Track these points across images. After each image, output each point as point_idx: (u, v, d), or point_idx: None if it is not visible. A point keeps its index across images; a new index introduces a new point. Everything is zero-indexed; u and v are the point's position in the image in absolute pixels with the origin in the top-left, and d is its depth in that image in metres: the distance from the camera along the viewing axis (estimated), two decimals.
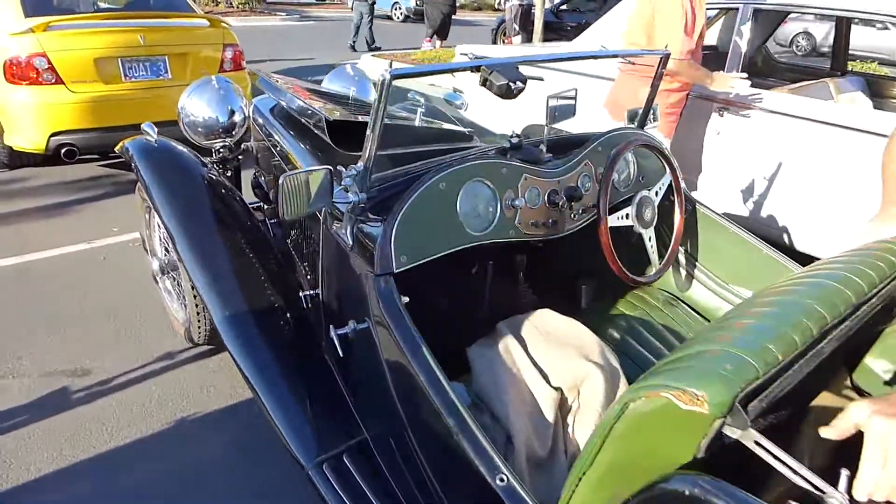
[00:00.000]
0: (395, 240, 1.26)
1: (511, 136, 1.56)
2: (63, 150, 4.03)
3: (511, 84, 1.32)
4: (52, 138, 4.01)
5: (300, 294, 1.96)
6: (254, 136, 2.65)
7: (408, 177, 1.43)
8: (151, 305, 2.82)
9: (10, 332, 2.64)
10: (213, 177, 2.34)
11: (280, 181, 1.19)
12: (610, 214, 1.59)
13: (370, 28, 11.76)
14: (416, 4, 19.45)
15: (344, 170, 1.32)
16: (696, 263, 1.96)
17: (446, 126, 2.15)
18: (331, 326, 1.39)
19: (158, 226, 2.51)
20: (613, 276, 2.10)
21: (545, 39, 9.72)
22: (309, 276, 1.97)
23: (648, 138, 1.76)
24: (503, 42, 12.32)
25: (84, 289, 3.01)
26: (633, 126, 1.90)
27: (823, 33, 12.44)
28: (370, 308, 1.30)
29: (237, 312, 1.89)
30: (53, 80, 3.93)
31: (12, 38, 3.92)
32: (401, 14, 19.85)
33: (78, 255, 3.38)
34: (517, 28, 10.89)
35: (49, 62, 3.88)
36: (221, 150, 2.61)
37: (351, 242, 1.37)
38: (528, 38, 10.49)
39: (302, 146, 2.11)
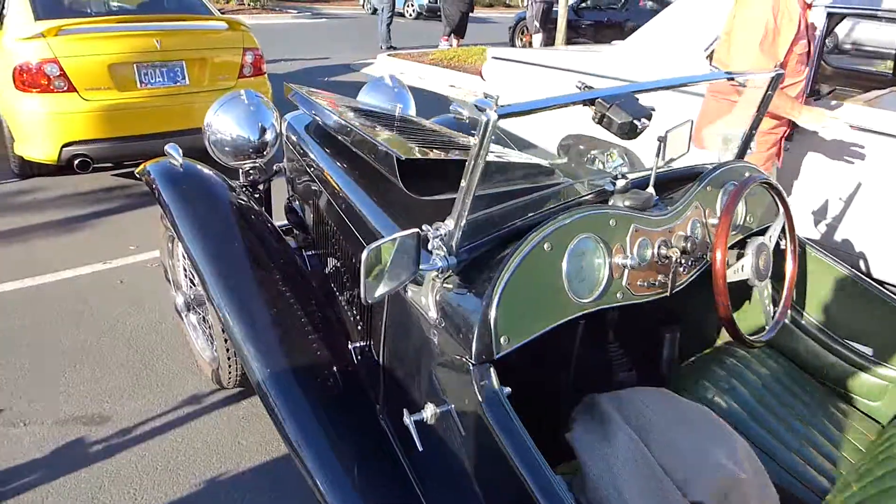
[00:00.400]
0: (496, 319, 1.01)
1: (615, 176, 1.30)
2: (76, 162, 3.81)
3: (636, 121, 1.08)
4: (64, 149, 3.79)
5: (349, 346, 1.72)
6: (287, 156, 2.41)
7: (500, 232, 1.18)
8: (173, 338, 2.59)
9: (20, 369, 2.42)
10: (244, 203, 2.11)
11: (364, 255, 0.95)
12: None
13: (388, 26, 11.49)
14: (430, 2, 19.18)
15: (428, 228, 1.08)
16: (804, 313, 1.70)
17: (524, 158, 1.87)
18: (405, 411, 1.14)
19: (183, 256, 2.28)
20: (701, 323, 1.83)
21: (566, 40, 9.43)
22: (360, 327, 1.73)
23: (766, 175, 1.50)
24: (521, 40, 12.05)
25: (100, 318, 2.79)
26: (738, 159, 1.64)
27: (846, 31, 12.07)
28: (461, 396, 1.06)
29: (274, 359, 1.65)
30: (65, 88, 3.70)
31: (22, 42, 3.69)
32: (413, 11, 19.57)
33: (93, 277, 3.15)
34: (538, 26, 10.58)
35: (61, 69, 3.66)
36: (251, 171, 2.37)
37: (436, 315, 1.12)
38: (548, 37, 10.20)
39: (347, 174, 1.86)
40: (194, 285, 2.24)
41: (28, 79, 3.66)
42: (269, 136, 2.31)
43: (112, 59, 3.76)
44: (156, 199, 2.08)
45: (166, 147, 2.10)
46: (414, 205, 1.42)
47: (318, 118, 2.13)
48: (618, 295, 1.24)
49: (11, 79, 3.72)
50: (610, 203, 1.29)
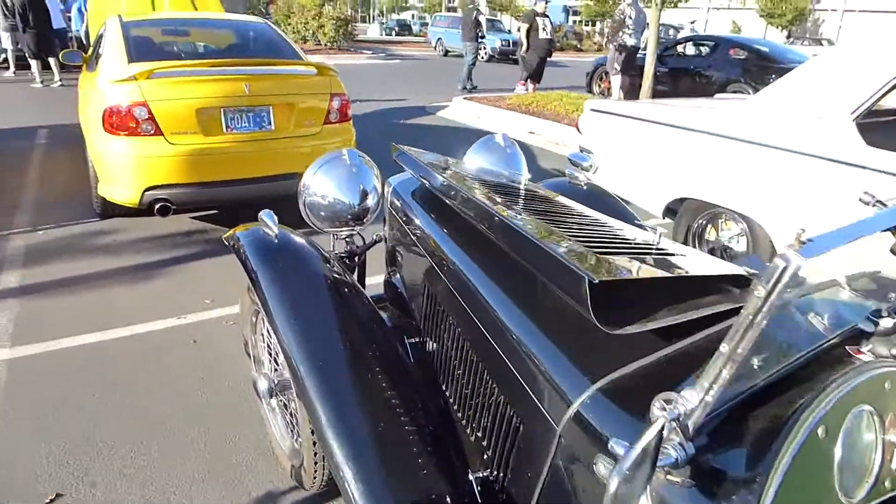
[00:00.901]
0: None
1: (874, 311, 0.93)
2: (157, 206, 3.70)
3: None
4: (146, 192, 3.68)
5: (468, 475, 1.39)
6: (389, 225, 2.14)
7: (742, 395, 0.83)
8: (250, 418, 2.32)
9: (80, 437, 2.20)
10: (342, 279, 1.83)
11: (614, 482, 0.62)
12: None
13: (470, 68, 11.46)
14: (503, 45, 19.25)
15: (661, 408, 0.73)
16: None
17: (713, 267, 1.46)
18: None
19: (268, 332, 2.02)
20: None
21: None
22: (487, 455, 1.40)
23: None
24: (599, 86, 11.76)
25: (171, 384, 2.56)
26: None
27: None
28: None
29: (371, 476, 1.33)
30: (152, 131, 3.61)
31: (114, 85, 3.64)
32: (485, 54, 19.66)
33: (166, 333, 2.96)
34: (617, 68, 10.23)
35: (149, 112, 3.57)
36: (348, 239, 2.11)
37: None
38: (629, 84, 9.87)
39: (471, 257, 1.56)
40: (279, 367, 1.97)
41: (117, 121, 3.59)
42: (370, 202, 2.05)
43: (200, 104, 3.66)
44: (244, 268, 1.83)
45: (261, 214, 1.86)
46: (588, 328, 1.09)
47: (432, 187, 1.84)
48: (886, 484, 0.87)
49: (101, 121, 3.66)
50: (875, 353, 0.92)
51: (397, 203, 2.02)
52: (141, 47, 4.23)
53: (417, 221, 1.88)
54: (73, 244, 3.91)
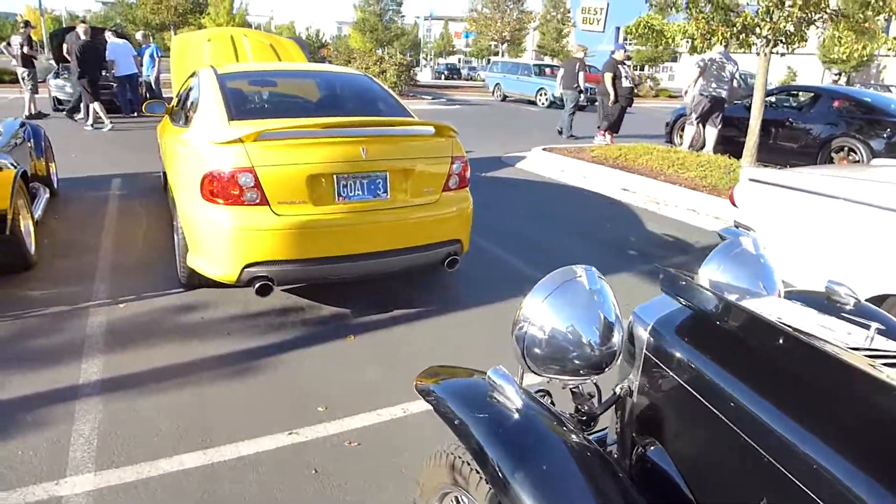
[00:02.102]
0: None
1: None
2: (257, 285, 3.20)
3: None
4: (246, 269, 3.19)
5: None
6: (643, 373, 1.54)
7: None
8: None
9: None
10: (601, 460, 1.25)
11: None
12: None
13: (571, 116, 11.51)
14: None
15: None
16: None
17: None
18: None
19: None
20: None
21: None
22: None
23: None
24: (679, 137, 11.12)
25: None
26: None
27: None
28: None
29: None
30: (257, 201, 3.14)
31: (217, 147, 3.20)
32: (546, 100, 19.29)
33: (277, 456, 2.40)
34: (694, 119, 9.55)
35: (256, 179, 3.11)
36: (576, 391, 1.52)
37: None
38: (719, 137, 9.22)
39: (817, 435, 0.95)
40: None
41: (218, 188, 3.14)
42: (614, 341, 1.46)
43: (312, 170, 3.19)
44: (458, 436, 1.28)
45: (491, 373, 1.31)
46: None
47: (730, 325, 1.25)
48: None
49: (199, 186, 3.22)
50: None
51: (660, 344, 1.42)
52: (240, 103, 3.83)
53: (707, 374, 1.28)
54: (158, 323, 3.44)
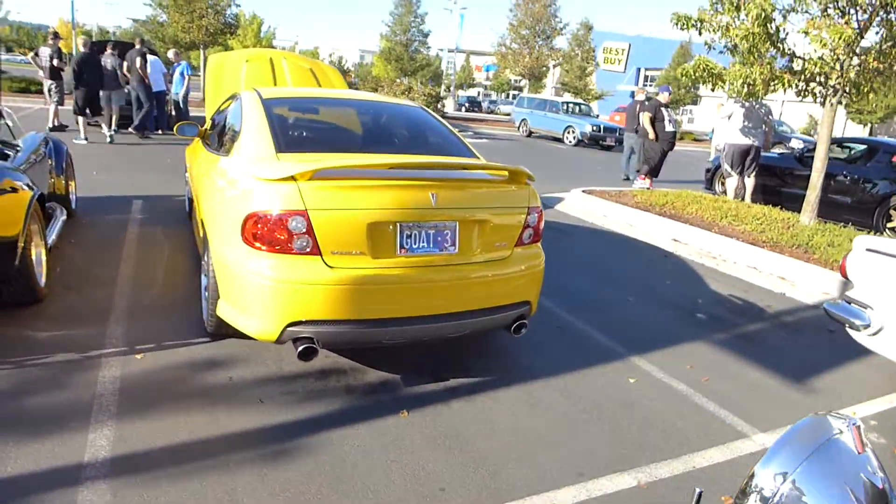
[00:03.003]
0: None
1: None
2: (300, 348, 2.72)
3: None
4: (288, 329, 2.72)
5: None
6: None
7: None
8: None
9: None
10: None
11: None
12: None
13: (629, 158, 11.35)
14: (593, 130, 18.51)
15: None
16: None
17: None
18: None
19: None
20: None
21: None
22: None
23: None
24: (721, 185, 10.65)
25: None
26: None
27: None
28: None
29: None
30: (308, 250, 2.68)
31: (266, 185, 2.75)
32: (574, 138, 18.96)
33: None
34: (729, 170, 9.09)
35: (309, 224, 2.66)
36: None
37: None
38: (756, 186, 8.79)
39: None
40: None
41: (263, 232, 2.68)
42: None
43: (374, 216, 2.73)
44: None
45: None
46: None
47: None
48: None
49: (239, 227, 2.77)
50: None
51: None
52: (289, 133, 3.41)
53: None
54: (180, 382, 2.95)
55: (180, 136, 4.85)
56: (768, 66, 6.66)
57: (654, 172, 9.98)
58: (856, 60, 6.53)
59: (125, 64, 10.91)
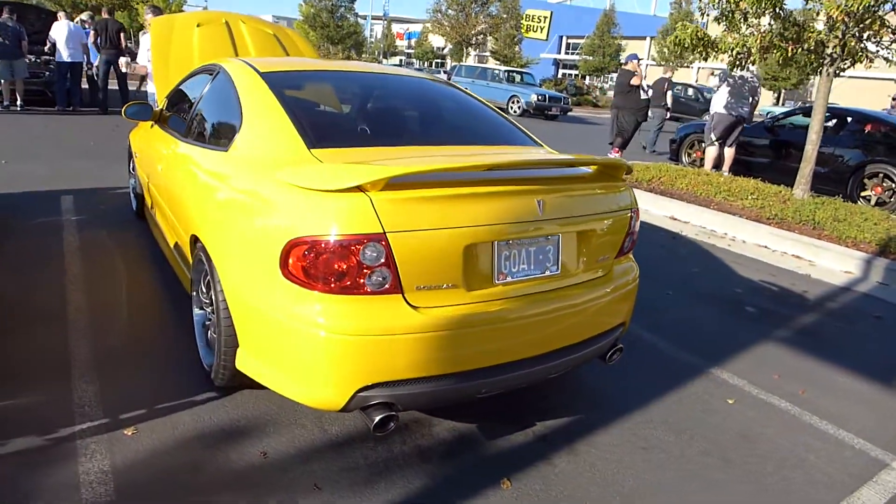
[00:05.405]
0: None
1: None
2: (377, 418, 1.99)
3: None
4: (359, 394, 1.98)
5: None
6: None
7: None
8: None
9: None
10: None
11: None
12: None
13: (658, 132, 11.86)
14: (538, 100, 18.02)
15: None
16: None
17: None
18: None
19: None
20: None
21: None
22: None
23: None
24: (688, 156, 10.44)
25: None
26: None
27: None
28: None
29: None
30: (386, 287, 1.94)
31: (317, 198, 1.97)
32: (518, 108, 18.42)
33: None
34: (713, 138, 8.88)
35: (388, 252, 1.91)
36: None
37: None
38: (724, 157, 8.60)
39: None
40: None
41: (321, 266, 1.91)
42: None
43: (471, 235, 2.02)
44: None
45: None
46: None
47: None
48: None
49: (277, 258, 1.99)
50: None
51: None
52: (314, 120, 2.60)
53: None
54: (198, 470, 2.15)
55: (134, 119, 3.88)
56: (770, 35, 6.28)
57: (624, 145, 9.59)
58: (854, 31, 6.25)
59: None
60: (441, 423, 2.53)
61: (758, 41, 6.45)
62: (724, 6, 6.58)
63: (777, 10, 6.31)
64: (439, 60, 53.30)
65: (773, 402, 3.02)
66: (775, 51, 6.46)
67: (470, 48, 34.55)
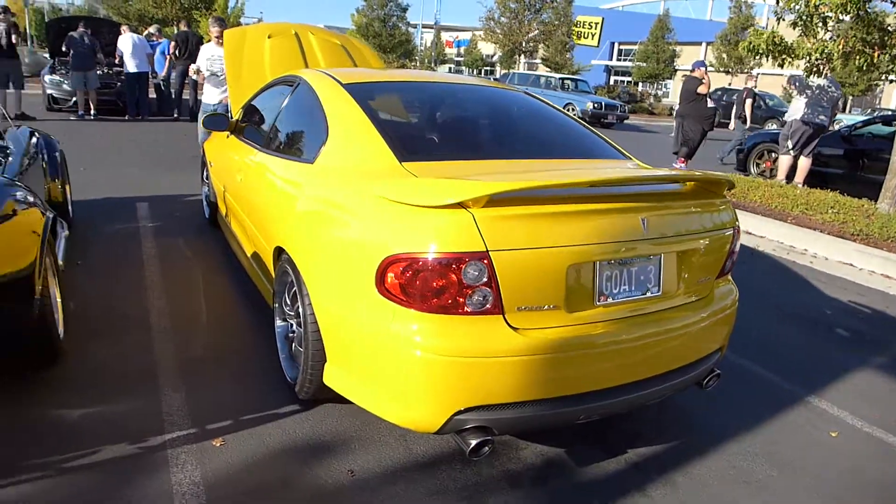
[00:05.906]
0: None
1: None
2: (473, 443, 1.93)
3: None
4: (457, 417, 1.92)
5: None
6: None
7: None
8: None
9: None
10: None
11: None
12: None
13: (737, 144, 11.10)
14: (594, 108, 17.76)
15: None
16: None
17: None
18: None
19: None
20: None
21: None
22: None
23: None
24: (756, 166, 10.06)
25: None
26: None
27: None
28: None
29: None
30: (487, 307, 1.87)
31: (416, 214, 1.92)
32: (573, 115, 18.13)
33: None
34: (789, 146, 8.52)
35: (491, 271, 1.84)
36: None
37: None
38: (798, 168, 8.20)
39: None
40: None
41: (420, 285, 1.86)
42: None
43: (575, 255, 1.93)
44: None
45: None
46: None
47: None
48: None
49: (373, 275, 1.94)
50: None
51: None
52: (403, 133, 2.57)
53: None
54: (288, 485, 2.12)
55: (211, 129, 3.95)
56: (854, 40, 5.97)
57: (690, 155, 9.30)
58: None
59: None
60: (529, 446, 2.44)
61: (839, 46, 6.14)
62: (801, 10, 6.29)
63: (860, 12, 5.99)
64: (488, 68, 53.30)
65: (880, 436, 2.81)
66: (858, 56, 6.13)
67: (521, 56, 34.44)
